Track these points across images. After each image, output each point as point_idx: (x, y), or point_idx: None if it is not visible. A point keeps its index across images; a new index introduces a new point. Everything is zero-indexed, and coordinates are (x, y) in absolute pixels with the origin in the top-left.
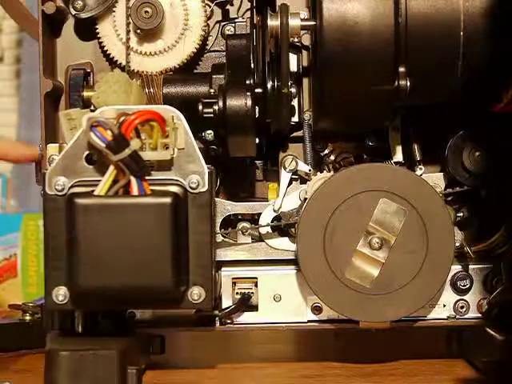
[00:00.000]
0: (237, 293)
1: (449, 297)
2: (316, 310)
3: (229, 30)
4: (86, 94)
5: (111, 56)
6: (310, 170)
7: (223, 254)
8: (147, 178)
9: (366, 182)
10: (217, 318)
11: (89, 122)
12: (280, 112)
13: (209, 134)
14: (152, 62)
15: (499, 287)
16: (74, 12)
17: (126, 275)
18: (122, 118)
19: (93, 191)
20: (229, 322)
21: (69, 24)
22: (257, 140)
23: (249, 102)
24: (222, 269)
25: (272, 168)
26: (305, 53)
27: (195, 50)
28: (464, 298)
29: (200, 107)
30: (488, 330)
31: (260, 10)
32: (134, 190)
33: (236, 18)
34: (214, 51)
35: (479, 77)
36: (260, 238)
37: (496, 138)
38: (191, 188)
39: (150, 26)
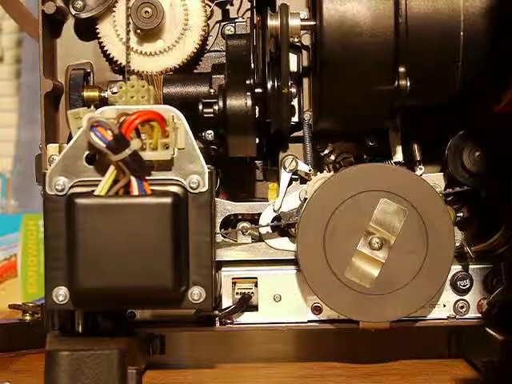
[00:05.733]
0: (237, 293)
1: (449, 297)
2: (316, 310)
3: (229, 30)
4: (85, 93)
5: (111, 56)
6: (310, 170)
7: (223, 254)
8: (147, 177)
9: (366, 182)
10: (217, 318)
11: (89, 122)
12: (280, 112)
13: (209, 134)
14: (152, 61)
15: (499, 287)
16: (74, 12)
17: (126, 275)
18: (122, 118)
19: (93, 191)
20: (229, 321)
21: (69, 24)
22: (257, 140)
23: (249, 102)
24: (222, 269)
25: (272, 168)
26: (305, 53)
27: (195, 50)
28: (464, 297)
29: (200, 107)
30: (488, 330)
31: (260, 10)
32: (135, 189)
33: (236, 18)
34: (214, 51)
35: (479, 77)
36: (260, 238)
37: (496, 138)
38: (191, 188)
39: (150, 26)
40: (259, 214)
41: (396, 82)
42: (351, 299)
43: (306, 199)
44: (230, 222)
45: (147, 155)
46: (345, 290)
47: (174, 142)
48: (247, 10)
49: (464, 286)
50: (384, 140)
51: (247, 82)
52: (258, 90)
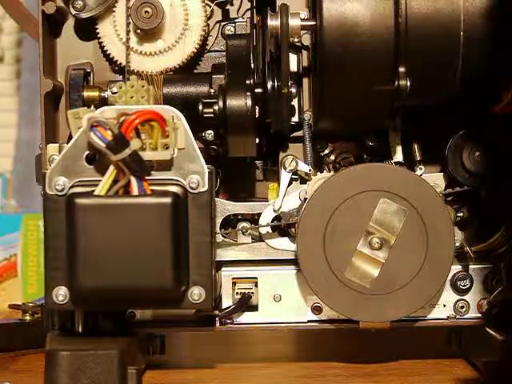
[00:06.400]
0: (237, 293)
1: (449, 297)
2: (316, 310)
3: (229, 30)
4: (85, 93)
5: (111, 56)
6: (310, 170)
7: (223, 254)
8: (147, 177)
9: (366, 182)
10: (217, 318)
11: (89, 121)
12: (280, 112)
13: (209, 134)
14: (152, 61)
15: (499, 287)
16: (74, 12)
17: (126, 275)
18: (122, 118)
19: (93, 191)
20: (229, 321)
21: (69, 24)
22: (257, 140)
23: (249, 102)
24: (222, 269)
25: (272, 168)
26: (305, 53)
27: (195, 50)
28: (464, 297)
29: (200, 107)
30: (488, 329)
31: (260, 10)
32: (134, 189)
33: (236, 18)
34: (214, 51)
35: (479, 77)
36: (260, 238)
37: (496, 138)
38: (191, 188)
39: (150, 26)
40: (259, 214)
41: (396, 82)
42: (351, 299)
43: (305, 199)
44: (230, 221)
45: (147, 155)
46: (345, 289)
47: (173, 141)
48: (247, 10)
49: (464, 286)
50: (384, 140)
51: (247, 82)
52: (258, 90)
